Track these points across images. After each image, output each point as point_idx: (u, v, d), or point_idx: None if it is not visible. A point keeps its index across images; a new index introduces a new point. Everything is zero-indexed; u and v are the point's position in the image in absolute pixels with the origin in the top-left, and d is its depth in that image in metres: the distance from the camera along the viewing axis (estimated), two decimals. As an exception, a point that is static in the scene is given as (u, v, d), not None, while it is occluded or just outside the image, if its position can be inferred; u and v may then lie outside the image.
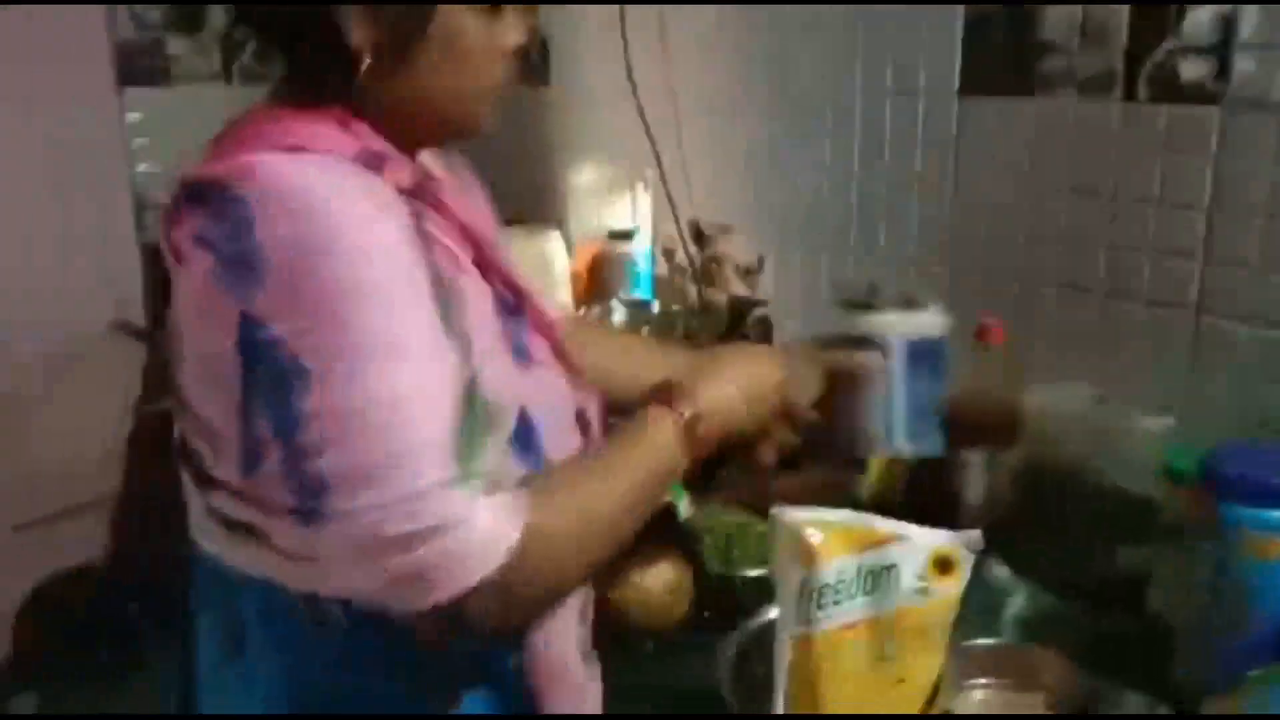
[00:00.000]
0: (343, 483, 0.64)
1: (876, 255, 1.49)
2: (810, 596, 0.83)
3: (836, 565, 0.83)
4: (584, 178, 2.13)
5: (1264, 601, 0.91)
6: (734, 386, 0.87)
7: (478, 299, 0.78)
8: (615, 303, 1.85)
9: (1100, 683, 0.91)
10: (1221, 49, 1.06)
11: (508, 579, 0.66)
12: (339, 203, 0.67)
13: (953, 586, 0.85)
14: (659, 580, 1.07)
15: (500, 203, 2.26)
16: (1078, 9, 1.17)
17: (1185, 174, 1.11)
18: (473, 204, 0.92)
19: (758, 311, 1.72)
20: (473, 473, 0.66)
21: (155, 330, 0.85)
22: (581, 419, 0.85)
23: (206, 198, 0.67)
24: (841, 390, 1.01)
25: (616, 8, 1.80)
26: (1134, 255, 1.17)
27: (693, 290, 1.82)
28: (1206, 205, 1.10)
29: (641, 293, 1.95)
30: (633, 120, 1.79)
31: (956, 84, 1.33)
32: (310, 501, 0.65)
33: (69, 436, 1.68)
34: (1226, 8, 1.05)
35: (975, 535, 0.84)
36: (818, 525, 0.84)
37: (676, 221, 1.83)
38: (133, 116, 2.06)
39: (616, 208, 2.07)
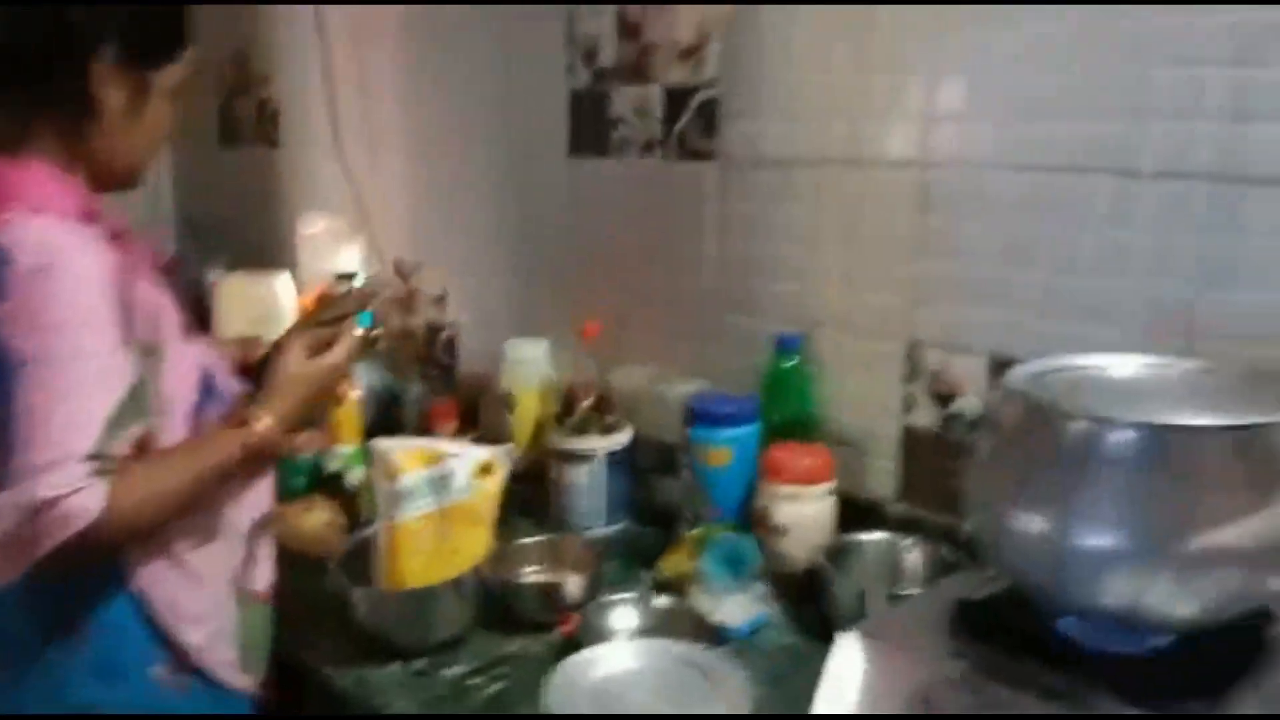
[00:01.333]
0: (22, 445, 0.92)
1: (521, 277, 1.91)
2: (394, 499, 1.20)
3: (412, 476, 1.21)
4: (314, 227, 2.46)
5: (715, 493, 1.35)
6: (287, 395, 1.11)
7: (162, 303, 1.09)
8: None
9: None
10: (712, 120, 1.53)
11: (89, 538, 0.92)
12: (66, 253, 0.96)
13: (492, 483, 1.24)
14: (314, 519, 1.42)
15: (241, 252, 2.55)
16: (634, 93, 1.63)
17: (696, 211, 1.58)
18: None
19: (445, 333, 2.11)
20: (102, 453, 0.94)
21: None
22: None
23: None
24: None
25: (329, 71, 2.17)
26: (681, 272, 1.63)
27: (396, 319, 2.19)
28: (713, 232, 1.57)
29: (362, 323, 2.29)
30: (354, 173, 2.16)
31: (569, 147, 1.76)
32: (13, 460, 0.93)
33: None
34: (715, 90, 1.52)
35: (508, 447, 1.24)
36: (398, 449, 1.22)
37: (382, 261, 2.20)
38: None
39: (344, 252, 2.41)
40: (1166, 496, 0.81)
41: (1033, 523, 0.84)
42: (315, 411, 1.23)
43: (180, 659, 1.08)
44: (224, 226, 2.73)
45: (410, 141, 2.11)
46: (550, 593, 1.26)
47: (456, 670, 1.18)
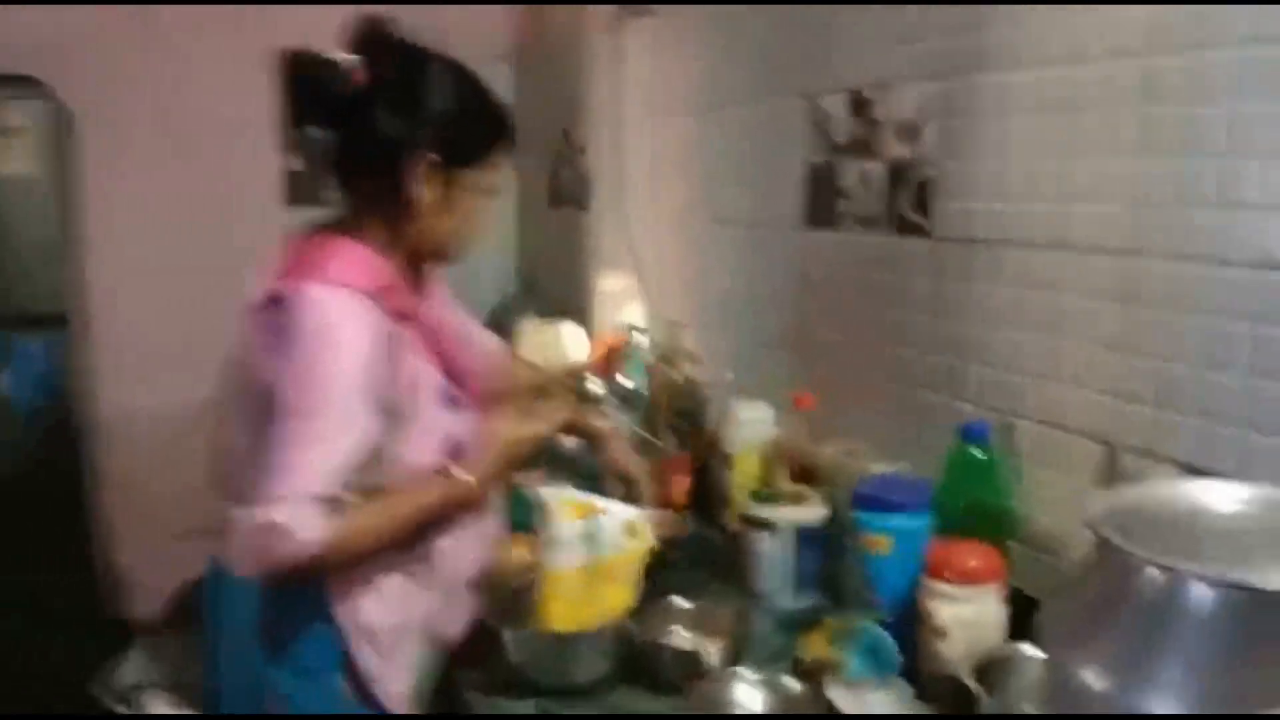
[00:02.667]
0: (272, 474, 1.12)
1: (756, 339, 1.94)
2: (550, 546, 1.30)
3: (564, 526, 1.29)
4: (611, 284, 2.66)
5: (875, 580, 1.30)
6: (491, 454, 1.27)
7: (429, 375, 1.28)
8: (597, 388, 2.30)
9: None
10: (925, 197, 1.48)
11: (312, 565, 1.11)
12: (341, 324, 1.15)
13: (636, 544, 1.29)
14: (515, 557, 1.55)
15: (554, 303, 2.82)
16: (860, 167, 1.62)
17: (908, 287, 1.53)
18: (440, 303, 1.42)
19: (702, 390, 2.18)
20: (332, 497, 1.10)
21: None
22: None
23: (279, 303, 1.18)
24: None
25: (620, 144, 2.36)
26: (890, 348, 1.58)
27: (663, 372, 2.30)
28: (921, 309, 1.51)
29: (636, 374, 2.44)
30: (643, 236, 2.33)
31: (802, 218, 1.78)
32: (256, 488, 1.13)
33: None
34: (932, 170, 1.47)
35: (651, 512, 1.29)
36: (557, 498, 1.31)
37: (651, 320, 2.33)
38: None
39: (632, 307, 2.58)
40: (1251, 665, 0.69)
41: (1092, 678, 0.74)
42: (515, 467, 1.36)
43: (357, 677, 1.24)
44: (546, 277, 3.03)
45: (686, 212, 2.23)
46: (683, 658, 1.28)
47: (581, 711, 1.24)
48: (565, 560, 1.29)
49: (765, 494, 1.53)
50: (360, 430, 1.14)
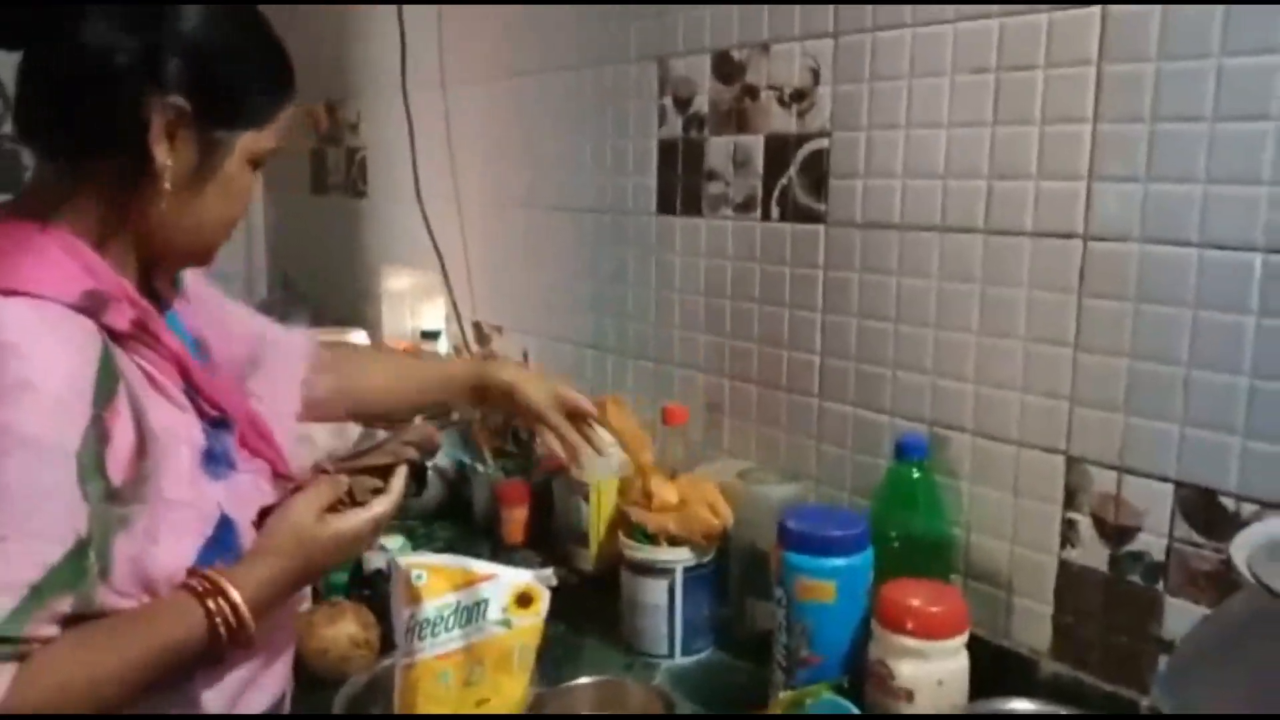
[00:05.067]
0: None
1: (600, 348, 1.68)
2: (414, 630, 0.98)
3: (437, 603, 0.98)
4: (399, 282, 2.30)
5: (814, 635, 1.08)
6: (279, 556, 0.88)
7: (178, 424, 0.86)
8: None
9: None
10: (821, 176, 1.28)
11: None
12: (24, 354, 0.74)
13: (531, 617, 1.00)
14: (339, 633, 1.21)
15: (328, 305, 2.42)
16: (731, 143, 1.40)
17: (801, 282, 1.33)
18: (208, 321, 1.01)
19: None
20: (11, 636, 0.72)
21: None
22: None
23: None
24: None
25: (415, 120, 2.02)
26: (774, 351, 1.37)
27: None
28: (820, 307, 1.31)
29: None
30: (438, 226, 1.99)
31: (656, 203, 1.54)
32: None
33: None
34: (826, 141, 1.27)
35: (548, 573, 1.00)
36: (424, 568, 0.99)
37: (459, 322, 2.01)
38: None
39: (427, 310, 2.24)
40: None
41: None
42: (314, 580, 1.00)
43: None
44: (313, 279, 2.62)
45: (490, 196, 1.92)
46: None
47: None
48: (437, 649, 0.97)
49: (645, 532, 1.28)
50: (66, 521, 0.76)
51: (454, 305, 2.02)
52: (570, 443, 1.22)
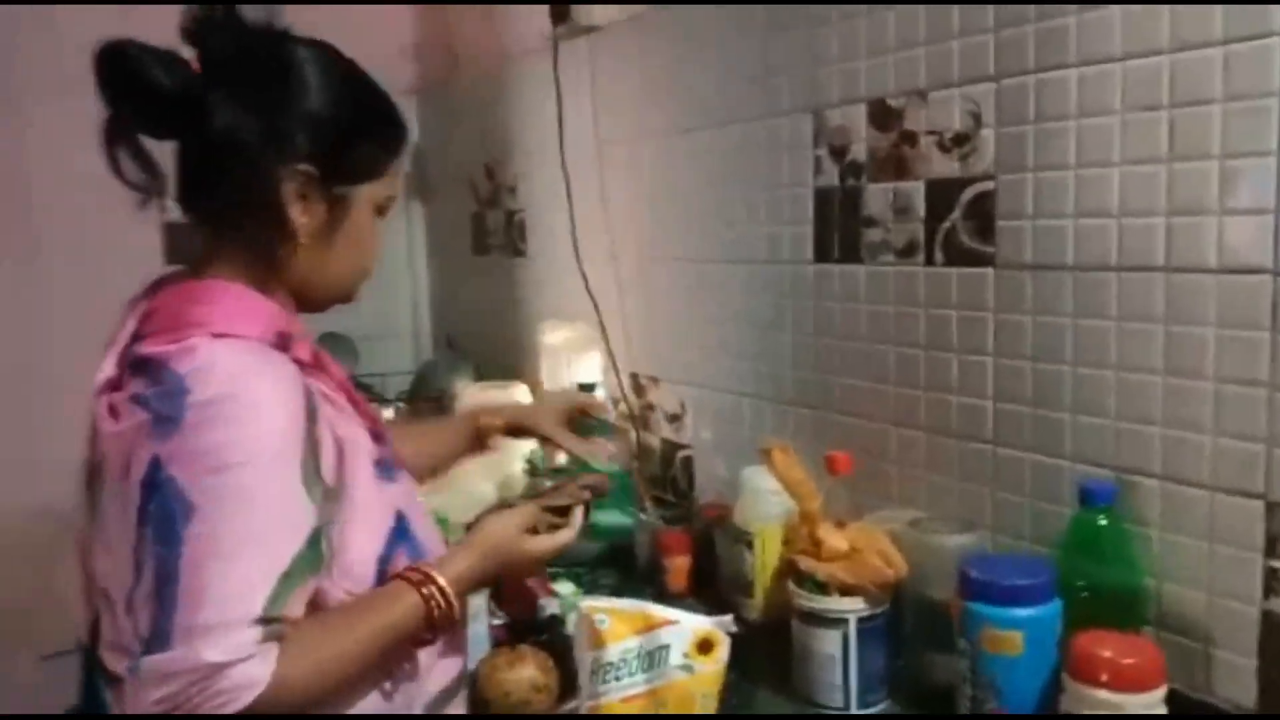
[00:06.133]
0: (189, 601, 0.82)
1: (760, 397, 1.69)
2: (599, 673, 1.01)
3: (620, 647, 1.01)
4: (556, 336, 2.38)
5: (1001, 686, 1.05)
6: (481, 557, 1.01)
7: (357, 436, 1.00)
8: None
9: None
10: (986, 219, 1.27)
11: (261, 710, 0.82)
12: (247, 383, 0.88)
13: (712, 663, 1.02)
14: (518, 677, 1.25)
15: (490, 361, 2.51)
16: (891, 190, 1.40)
17: (970, 326, 1.31)
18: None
19: (682, 453, 1.92)
20: (273, 615, 0.84)
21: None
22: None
23: (148, 369, 0.89)
24: None
25: (571, 180, 2.10)
26: (943, 397, 1.36)
27: (633, 435, 2.03)
28: (991, 350, 1.29)
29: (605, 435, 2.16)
30: (594, 280, 2.06)
31: (813, 252, 1.55)
32: (162, 621, 0.82)
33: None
34: (991, 184, 1.26)
35: (728, 619, 1.02)
36: (606, 612, 1.02)
37: (617, 374, 2.06)
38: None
39: (584, 363, 2.30)
40: None
41: None
42: (496, 584, 1.18)
43: None
44: (475, 336, 2.72)
45: (646, 251, 1.97)
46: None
47: None
48: (622, 692, 1.00)
49: (816, 581, 1.27)
50: (296, 522, 0.88)
51: (611, 358, 2.06)
52: (579, 452, 1.34)
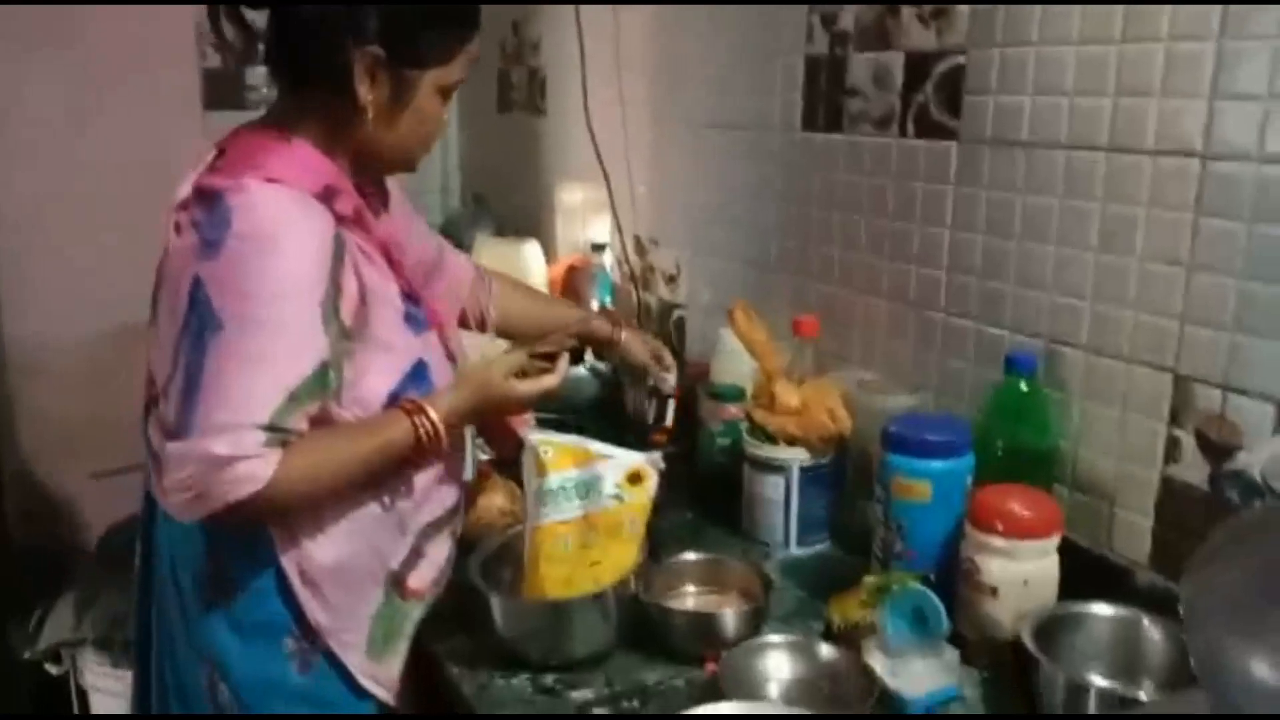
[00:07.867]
0: (208, 401, 0.95)
1: (747, 261, 1.76)
2: (541, 498, 1.12)
3: (560, 476, 1.12)
4: (573, 197, 2.44)
5: (909, 532, 1.15)
6: (470, 394, 1.11)
7: (388, 290, 1.09)
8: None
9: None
10: (955, 92, 1.30)
11: (254, 502, 0.95)
12: (286, 225, 0.99)
13: (641, 494, 1.12)
14: (491, 505, 1.38)
15: (510, 217, 2.57)
16: (874, 59, 1.43)
17: (932, 197, 1.36)
18: (398, 229, 1.23)
19: (677, 313, 2.01)
20: (278, 425, 0.96)
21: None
22: (451, 358, 1.17)
23: (207, 198, 1.00)
24: None
25: (586, 41, 2.12)
26: (909, 266, 1.41)
27: (634, 295, 2.11)
28: (949, 223, 1.34)
29: (605, 296, 2.25)
30: (606, 143, 2.10)
31: (801, 120, 1.59)
32: (185, 415, 0.95)
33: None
34: (962, 58, 1.29)
35: (657, 455, 1.12)
36: (551, 445, 1.13)
37: (621, 236, 2.13)
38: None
39: (596, 223, 2.37)
40: None
41: (1258, 666, 0.60)
42: (484, 420, 1.26)
43: (308, 635, 1.07)
44: (497, 193, 2.79)
45: (654, 114, 2.01)
46: (701, 623, 1.13)
47: (585, 694, 1.08)
48: (559, 515, 1.11)
49: (767, 432, 1.37)
50: (310, 349, 0.99)
51: (616, 219, 2.13)
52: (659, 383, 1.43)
